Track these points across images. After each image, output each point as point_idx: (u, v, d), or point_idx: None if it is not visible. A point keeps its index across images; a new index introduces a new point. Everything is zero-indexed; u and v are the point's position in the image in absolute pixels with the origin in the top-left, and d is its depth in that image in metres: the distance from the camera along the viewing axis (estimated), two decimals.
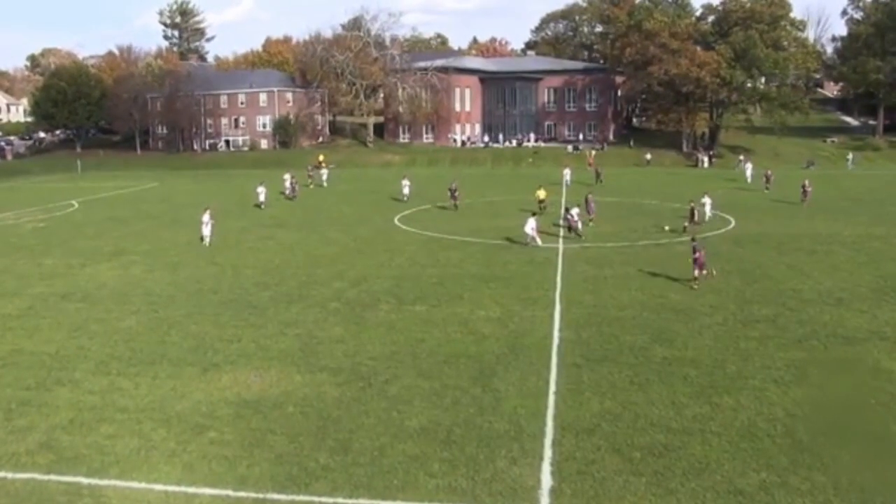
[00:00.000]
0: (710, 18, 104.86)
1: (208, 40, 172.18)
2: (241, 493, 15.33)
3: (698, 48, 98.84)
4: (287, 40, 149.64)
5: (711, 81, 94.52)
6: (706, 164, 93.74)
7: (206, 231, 42.41)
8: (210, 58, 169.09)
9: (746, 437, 17.09)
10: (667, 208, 52.20)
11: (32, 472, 16.48)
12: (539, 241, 39.63)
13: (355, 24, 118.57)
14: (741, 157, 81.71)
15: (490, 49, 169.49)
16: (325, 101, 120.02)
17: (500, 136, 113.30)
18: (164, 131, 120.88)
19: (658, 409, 18.72)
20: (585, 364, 21.91)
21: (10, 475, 16.37)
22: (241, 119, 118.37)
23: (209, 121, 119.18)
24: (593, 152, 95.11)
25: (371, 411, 19.01)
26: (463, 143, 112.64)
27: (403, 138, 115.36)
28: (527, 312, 27.48)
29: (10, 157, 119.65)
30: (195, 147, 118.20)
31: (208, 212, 42.95)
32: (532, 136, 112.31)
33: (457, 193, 53.64)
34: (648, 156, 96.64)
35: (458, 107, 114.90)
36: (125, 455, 17.12)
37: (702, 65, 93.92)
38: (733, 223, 46.18)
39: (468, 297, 29.85)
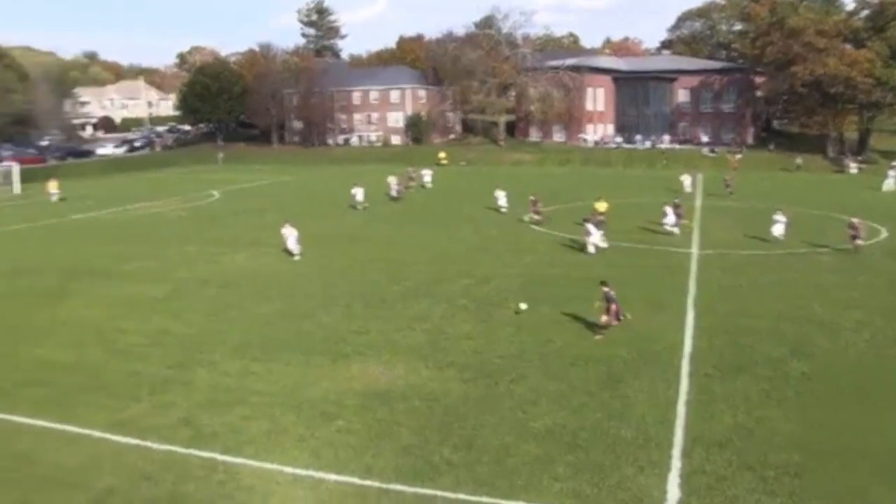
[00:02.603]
0: (864, 13, 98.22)
1: (343, 38, 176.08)
2: (366, 482, 15.66)
3: (848, 46, 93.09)
4: (419, 38, 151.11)
5: (863, 81, 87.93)
6: (854, 171, 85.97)
7: (292, 245, 38.45)
8: (344, 55, 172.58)
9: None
10: (808, 216, 49.98)
11: (174, 444, 17.44)
12: (592, 250, 38.21)
13: (487, 22, 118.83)
14: (894, 164, 74.44)
15: (623, 48, 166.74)
16: (457, 98, 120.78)
17: (634, 137, 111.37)
18: (300, 126, 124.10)
19: (795, 427, 17.95)
20: (718, 375, 21.29)
21: (153, 445, 17.45)
22: (374, 115, 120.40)
23: (343, 116, 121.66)
24: (738, 156, 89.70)
25: (497, 409, 19.07)
26: (595, 143, 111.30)
27: (534, 137, 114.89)
28: (657, 317, 26.93)
29: (158, 148, 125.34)
30: (329, 142, 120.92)
31: (288, 224, 39.29)
32: (666, 137, 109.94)
33: (538, 206, 48.65)
34: (799, 160, 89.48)
35: (590, 106, 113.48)
36: (258, 436, 17.79)
37: (852, 64, 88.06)
38: (885, 233, 43.76)
39: (597, 298, 29.42)
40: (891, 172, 69.90)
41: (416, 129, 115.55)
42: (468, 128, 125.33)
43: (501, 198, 53.24)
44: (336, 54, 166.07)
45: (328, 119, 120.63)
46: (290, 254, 38.11)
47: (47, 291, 32.51)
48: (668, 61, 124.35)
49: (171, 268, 36.55)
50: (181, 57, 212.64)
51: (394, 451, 16.97)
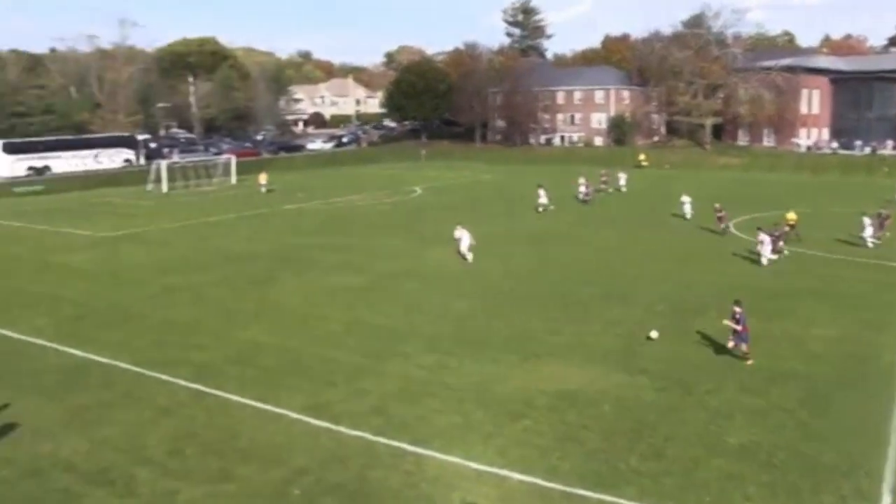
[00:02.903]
0: None
1: (548, 38, 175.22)
2: (550, 484, 15.53)
3: None
4: (625, 38, 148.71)
5: None
6: None
7: (464, 248, 37.47)
8: (549, 55, 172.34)
9: None
10: None
11: (365, 431, 18.02)
12: (765, 262, 35.83)
13: (696, 21, 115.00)
14: None
15: (844, 47, 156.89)
16: (662, 100, 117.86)
17: (852, 143, 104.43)
18: (503, 125, 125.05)
19: None
20: None
21: (345, 430, 18.12)
22: (577, 116, 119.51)
23: (546, 116, 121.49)
24: None
25: (688, 421, 18.44)
26: (808, 148, 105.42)
27: (742, 141, 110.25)
28: (867, 336, 25.15)
29: (364, 144, 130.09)
30: (531, 141, 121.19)
31: (460, 227, 38.51)
32: (889, 143, 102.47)
33: (722, 214, 45.51)
34: None
35: (804, 109, 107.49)
36: (446, 429, 18.04)
37: None
38: None
39: (802, 312, 27.92)
40: None
41: (619, 130, 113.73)
42: (672, 130, 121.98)
43: (686, 204, 50.66)
44: (541, 54, 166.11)
45: (531, 119, 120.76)
46: (463, 257, 37.31)
47: (257, 277, 34.45)
48: (895, 60, 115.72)
49: (372, 260, 37.75)
50: (389, 56, 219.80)
51: (580, 455, 16.74)
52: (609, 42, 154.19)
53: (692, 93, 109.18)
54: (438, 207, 57.70)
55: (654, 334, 24.63)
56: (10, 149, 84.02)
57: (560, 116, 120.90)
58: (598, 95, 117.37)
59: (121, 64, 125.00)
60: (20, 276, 36.16)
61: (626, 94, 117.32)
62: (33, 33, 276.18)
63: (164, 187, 73.65)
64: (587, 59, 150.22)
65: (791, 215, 42.38)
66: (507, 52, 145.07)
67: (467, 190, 71.07)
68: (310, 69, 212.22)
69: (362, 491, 15.42)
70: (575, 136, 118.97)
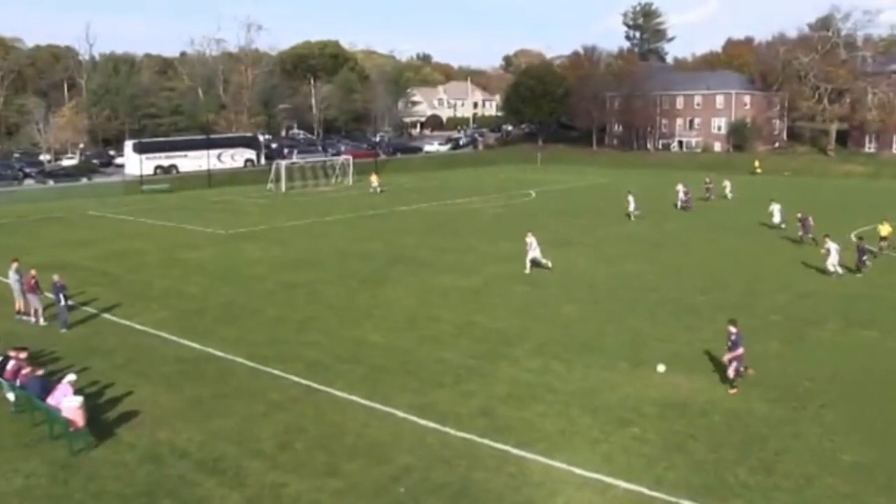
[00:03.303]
0: None
1: (668, 41, 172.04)
2: (656, 494, 15.25)
3: None
4: (748, 41, 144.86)
5: None
6: None
7: (533, 255, 36.05)
8: (669, 59, 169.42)
9: None
10: None
11: (470, 433, 18.06)
12: (832, 271, 34.02)
13: (824, 23, 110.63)
14: None
15: None
16: (785, 105, 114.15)
17: None
18: (620, 129, 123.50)
19: None
20: None
21: (451, 431, 18.23)
22: (696, 120, 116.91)
23: (664, 121, 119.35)
24: None
25: (802, 435, 17.80)
26: None
27: (869, 148, 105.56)
28: None
29: (481, 147, 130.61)
30: (648, 146, 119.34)
31: (531, 233, 37.09)
32: None
33: (808, 223, 42.32)
34: None
35: None
36: (551, 434, 17.93)
37: None
38: None
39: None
40: None
41: (739, 135, 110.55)
42: (794, 136, 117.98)
43: (776, 212, 47.91)
44: (661, 57, 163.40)
45: (649, 123, 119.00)
46: (536, 264, 35.92)
47: (370, 277, 35.01)
48: None
49: (484, 262, 37.84)
50: (507, 59, 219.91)
51: (687, 465, 16.37)
52: (730, 46, 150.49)
53: (816, 97, 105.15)
54: (553, 211, 57.40)
55: (661, 369, 22.01)
56: (140, 148, 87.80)
57: (679, 121, 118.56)
58: (719, 100, 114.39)
59: (246, 67, 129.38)
60: (146, 270, 37.74)
61: (747, 98, 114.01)
62: (166, 38, 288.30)
63: (283, 187, 75.68)
64: (708, 63, 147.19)
65: (883, 228, 39.40)
66: (627, 55, 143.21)
67: (582, 194, 70.49)
68: (429, 72, 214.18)
69: (465, 492, 15.46)
70: (693, 141, 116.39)
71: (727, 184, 64.63)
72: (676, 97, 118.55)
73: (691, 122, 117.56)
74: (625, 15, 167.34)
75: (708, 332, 25.73)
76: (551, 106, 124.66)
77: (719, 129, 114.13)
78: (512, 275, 35.14)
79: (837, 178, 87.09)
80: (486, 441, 17.65)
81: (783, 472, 16.00)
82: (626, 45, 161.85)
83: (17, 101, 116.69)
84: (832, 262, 33.98)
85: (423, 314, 28.73)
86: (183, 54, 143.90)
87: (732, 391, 20.43)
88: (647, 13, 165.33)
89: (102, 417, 19.33)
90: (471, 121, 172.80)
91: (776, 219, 47.56)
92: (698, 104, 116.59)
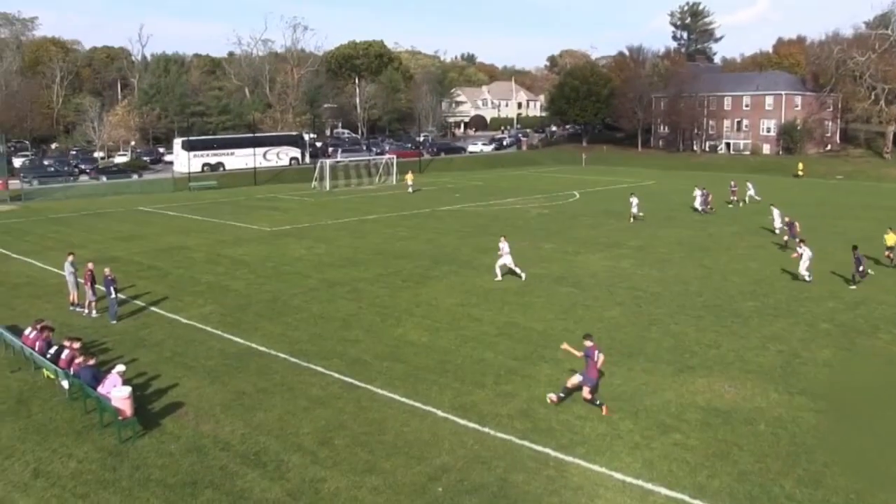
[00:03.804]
0: None
1: (716, 41, 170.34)
2: (697, 502, 15.06)
3: None
4: (800, 41, 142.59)
5: None
6: None
7: (504, 262, 34.43)
8: (717, 59, 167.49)
9: None
10: None
11: (510, 434, 18.00)
12: (807, 278, 33.45)
13: (882, 21, 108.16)
14: None
15: None
16: (838, 106, 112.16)
17: None
18: (666, 131, 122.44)
19: None
20: None
21: (491, 432, 18.18)
22: (745, 122, 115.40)
23: (711, 122, 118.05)
24: None
25: (851, 448, 17.43)
26: None
27: None
28: None
29: (525, 147, 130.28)
30: (694, 148, 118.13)
31: (503, 239, 35.31)
32: None
33: (795, 228, 41.15)
34: None
35: None
36: (592, 438, 17.78)
37: None
38: None
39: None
40: None
41: (790, 137, 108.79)
42: (848, 138, 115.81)
43: (776, 217, 46.51)
44: (709, 58, 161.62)
45: (696, 124, 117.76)
46: (500, 272, 34.47)
47: (412, 276, 35.09)
48: None
49: (527, 263, 37.60)
50: (552, 60, 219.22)
51: (730, 474, 16.10)
52: (781, 46, 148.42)
53: (872, 98, 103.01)
54: (597, 212, 57.09)
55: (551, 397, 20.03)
56: (189, 146, 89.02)
57: (726, 122, 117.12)
58: (768, 101, 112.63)
59: (292, 66, 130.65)
60: (193, 266, 38.23)
61: (798, 99, 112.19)
62: (215, 38, 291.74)
63: (328, 185, 76.17)
64: (757, 64, 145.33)
65: (889, 238, 37.18)
66: (673, 56, 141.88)
67: (626, 196, 69.82)
68: (473, 72, 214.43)
69: (504, 493, 15.38)
70: (741, 144, 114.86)
71: (750, 185, 63.16)
72: (724, 98, 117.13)
73: (739, 123, 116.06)
74: (672, 15, 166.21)
75: (755, 339, 25.36)
76: (596, 107, 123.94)
77: (768, 130, 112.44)
78: (554, 276, 34.97)
79: (892, 182, 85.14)
80: (525, 443, 17.56)
81: (832, 486, 15.63)
82: (673, 45, 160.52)
83: (74, 100, 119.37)
84: (803, 267, 33.61)
85: (464, 314, 28.69)
86: (231, 54, 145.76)
87: (604, 411, 19.15)
88: (695, 13, 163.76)
89: (149, 408, 19.69)
90: (515, 121, 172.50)
91: (776, 223, 46.33)
92: (747, 105, 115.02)
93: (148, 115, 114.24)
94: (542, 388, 20.87)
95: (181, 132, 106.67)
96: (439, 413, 19.23)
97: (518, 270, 34.53)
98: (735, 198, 62.08)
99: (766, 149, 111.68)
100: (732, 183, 64.34)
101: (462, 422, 18.68)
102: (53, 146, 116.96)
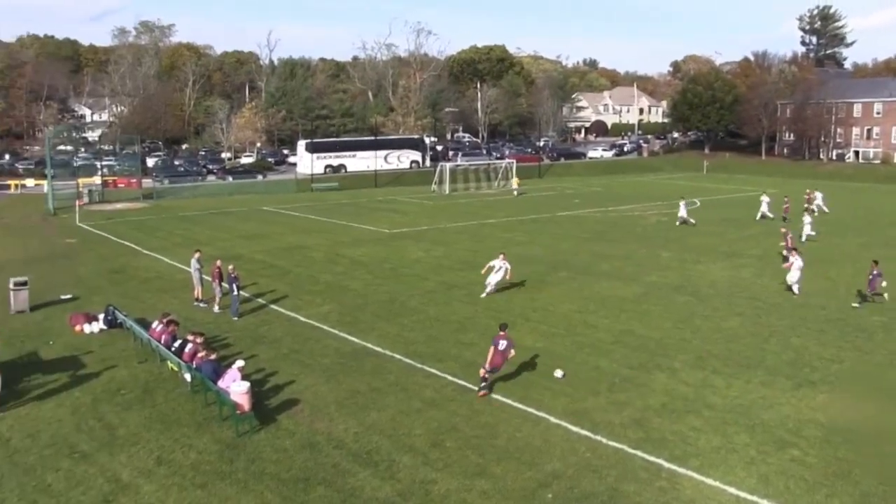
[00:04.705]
0: None
1: (847, 46, 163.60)
2: None
3: None
4: None
5: None
6: None
7: (499, 277, 32.44)
8: (847, 64, 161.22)
9: None
10: None
11: (622, 443, 17.84)
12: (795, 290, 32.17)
13: None
14: None
15: None
16: None
17: None
18: (791, 138, 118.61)
19: None
20: None
21: (603, 440, 18.06)
22: (875, 129, 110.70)
23: (839, 130, 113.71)
24: None
25: None
26: None
27: None
28: None
29: (645, 154, 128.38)
30: (821, 156, 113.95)
31: (502, 255, 33.21)
32: None
33: (788, 238, 39.71)
34: None
35: None
36: (706, 450, 17.45)
37: None
38: None
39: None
40: None
41: None
42: None
43: (764, 204, 46.74)
44: (839, 63, 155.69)
45: (823, 132, 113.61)
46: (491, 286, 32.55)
47: (529, 281, 35.03)
48: None
49: (644, 271, 37.20)
50: (675, 65, 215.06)
51: (851, 495, 15.54)
52: None
53: None
54: (718, 221, 55.74)
55: (558, 373, 22.43)
56: (312, 148, 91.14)
57: (855, 130, 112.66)
58: None
59: (414, 70, 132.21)
60: (313, 265, 39.21)
61: None
62: (340, 42, 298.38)
63: (447, 189, 76.83)
64: (891, 69, 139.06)
65: None
66: (801, 61, 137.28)
67: (750, 204, 67.93)
68: (594, 77, 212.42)
69: (614, 503, 15.27)
70: (871, 152, 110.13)
71: (818, 195, 60.82)
72: (853, 105, 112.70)
73: (869, 131, 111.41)
74: (801, 19, 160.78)
75: (880, 355, 24.39)
76: (719, 113, 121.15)
77: None
78: (673, 284, 34.39)
79: None
80: (637, 452, 17.36)
81: None
82: (802, 50, 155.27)
83: (205, 103, 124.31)
84: (793, 278, 32.63)
85: (580, 320, 28.53)
86: (355, 58, 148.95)
87: (481, 393, 20.77)
88: (825, 17, 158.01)
89: (265, 403, 20.27)
90: (636, 127, 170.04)
91: (763, 209, 49.12)
92: (878, 112, 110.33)
93: (273, 117, 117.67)
94: (657, 397, 20.60)
95: (305, 134, 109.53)
96: (552, 419, 19.20)
97: (490, 289, 32.42)
98: (809, 205, 58.72)
99: None
100: (808, 191, 62.69)
101: (574, 429, 18.61)
102: (184, 147, 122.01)
